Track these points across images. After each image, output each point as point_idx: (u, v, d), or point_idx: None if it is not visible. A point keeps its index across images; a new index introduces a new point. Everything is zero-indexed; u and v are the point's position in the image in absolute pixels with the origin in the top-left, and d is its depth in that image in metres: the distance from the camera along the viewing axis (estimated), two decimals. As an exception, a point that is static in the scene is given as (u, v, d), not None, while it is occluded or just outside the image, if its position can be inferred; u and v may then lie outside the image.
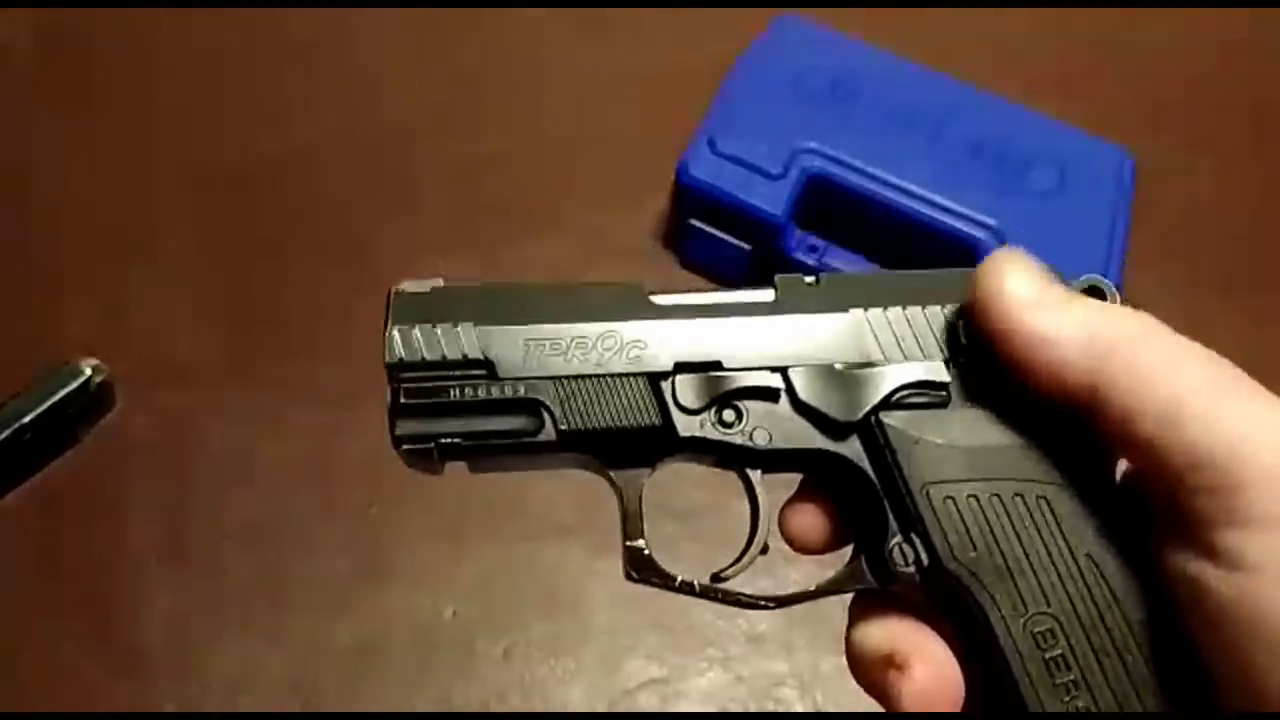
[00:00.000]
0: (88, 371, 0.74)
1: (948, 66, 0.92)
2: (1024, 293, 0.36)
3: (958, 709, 0.37)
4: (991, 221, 0.81)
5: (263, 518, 0.73)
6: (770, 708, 0.69)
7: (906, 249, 0.83)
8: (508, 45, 1.02)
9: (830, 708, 0.68)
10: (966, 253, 0.81)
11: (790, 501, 0.41)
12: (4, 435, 0.71)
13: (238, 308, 0.83)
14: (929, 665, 0.37)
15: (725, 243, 0.85)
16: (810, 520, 0.40)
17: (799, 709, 0.69)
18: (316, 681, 0.68)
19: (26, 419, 0.72)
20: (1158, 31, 1.09)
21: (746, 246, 0.84)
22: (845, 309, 0.39)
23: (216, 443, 0.76)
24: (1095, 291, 0.41)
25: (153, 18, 1.00)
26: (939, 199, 0.82)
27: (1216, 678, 0.33)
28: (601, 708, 0.68)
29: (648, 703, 0.68)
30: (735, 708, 0.68)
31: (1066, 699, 0.35)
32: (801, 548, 0.41)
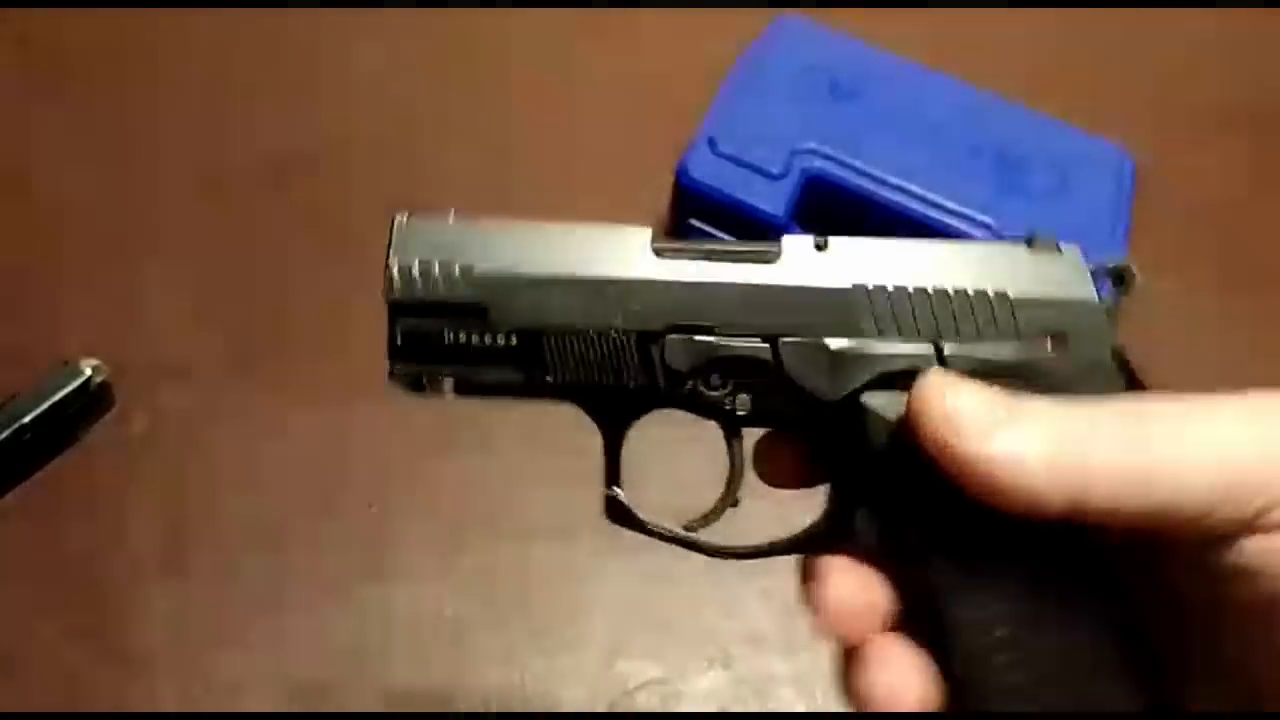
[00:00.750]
0: (88, 371, 0.74)
1: (948, 66, 0.92)
2: (974, 422, 0.34)
3: (874, 626, 0.37)
4: (991, 221, 0.81)
5: (263, 518, 0.73)
6: (770, 708, 0.69)
7: (906, 249, 0.83)
8: (507, 45, 1.02)
9: (830, 708, 0.68)
10: (966, 253, 0.81)
11: (764, 439, 0.41)
12: (4, 435, 0.71)
13: (238, 308, 0.83)
14: (849, 580, 0.38)
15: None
16: (782, 457, 0.41)
17: (799, 709, 0.69)
18: (316, 681, 0.68)
19: (26, 419, 0.72)
20: (1158, 31, 1.09)
21: (746, 246, 0.84)
22: (847, 280, 0.38)
23: (216, 443, 0.76)
24: (1119, 274, 0.40)
25: (152, 18, 1.00)
26: (939, 199, 0.82)
27: (1203, 666, 0.35)
28: (601, 708, 0.68)
29: (648, 703, 0.68)
30: (735, 708, 0.69)
31: (1002, 675, 0.36)
32: (772, 483, 0.41)
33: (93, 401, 0.75)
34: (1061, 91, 0.97)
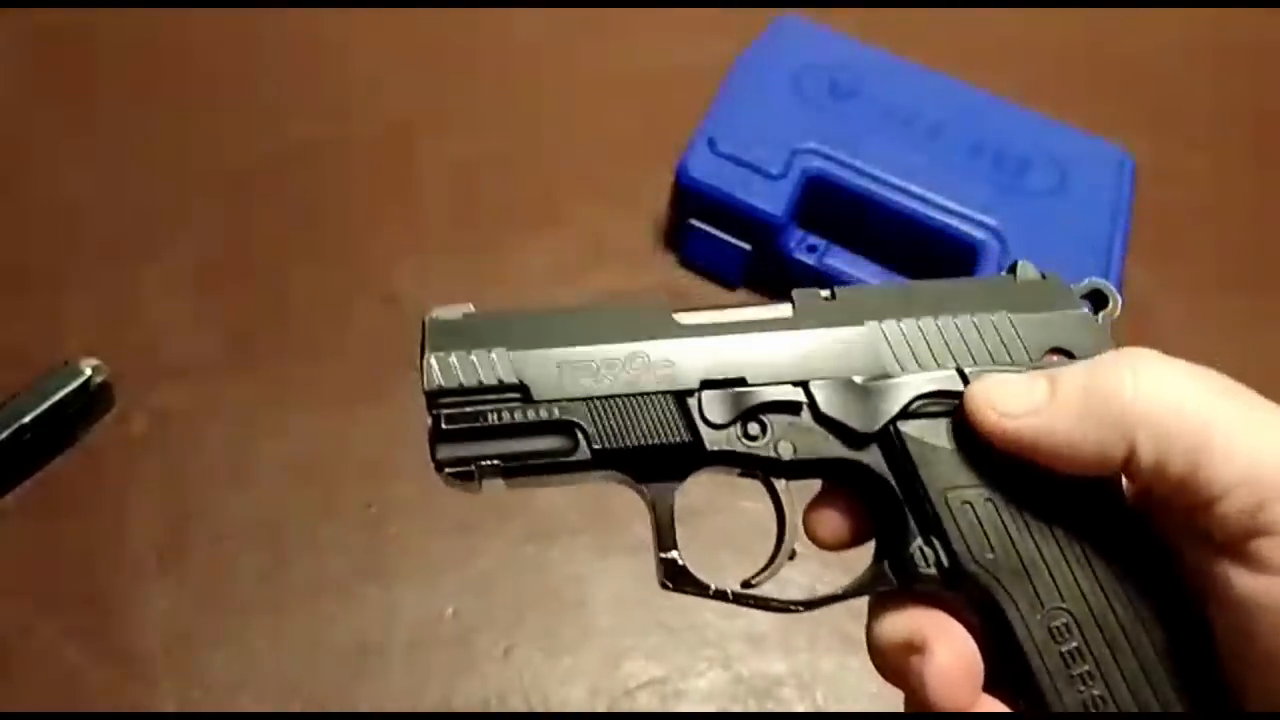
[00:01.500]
0: (88, 371, 0.74)
1: (947, 66, 0.92)
2: (1011, 406, 0.37)
3: (979, 687, 0.38)
4: (991, 221, 0.81)
5: (263, 518, 0.73)
6: (770, 708, 0.69)
7: (906, 249, 0.83)
8: (508, 45, 1.02)
9: (830, 708, 0.68)
10: (967, 252, 0.81)
11: (813, 502, 0.42)
12: (4, 435, 0.71)
13: (238, 307, 0.83)
14: (950, 645, 0.38)
15: (725, 243, 0.85)
16: (832, 520, 0.42)
17: (799, 709, 0.69)
18: (316, 681, 0.68)
19: (26, 419, 0.72)
20: (1158, 31, 1.09)
21: (746, 246, 0.84)
22: (861, 322, 0.40)
23: (216, 443, 0.76)
24: (1097, 295, 0.42)
25: (153, 18, 1.00)
26: (939, 199, 0.82)
27: (1242, 671, 0.36)
28: (601, 708, 0.68)
29: (648, 703, 0.68)
30: (735, 708, 0.68)
31: (1082, 689, 0.37)
32: (825, 546, 0.42)
33: (93, 401, 0.75)
34: (1061, 91, 0.97)
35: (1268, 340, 0.89)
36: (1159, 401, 0.36)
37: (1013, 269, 0.43)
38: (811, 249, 0.84)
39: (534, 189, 0.92)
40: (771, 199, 0.83)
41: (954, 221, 0.82)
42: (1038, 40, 1.08)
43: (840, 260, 0.84)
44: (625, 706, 0.68)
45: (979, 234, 0.81)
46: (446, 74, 0.99)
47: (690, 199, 0.85)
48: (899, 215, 0.82)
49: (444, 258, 0.87)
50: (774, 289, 0.86)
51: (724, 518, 0.73)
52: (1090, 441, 0.36)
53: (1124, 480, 0.39)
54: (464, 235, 0.89)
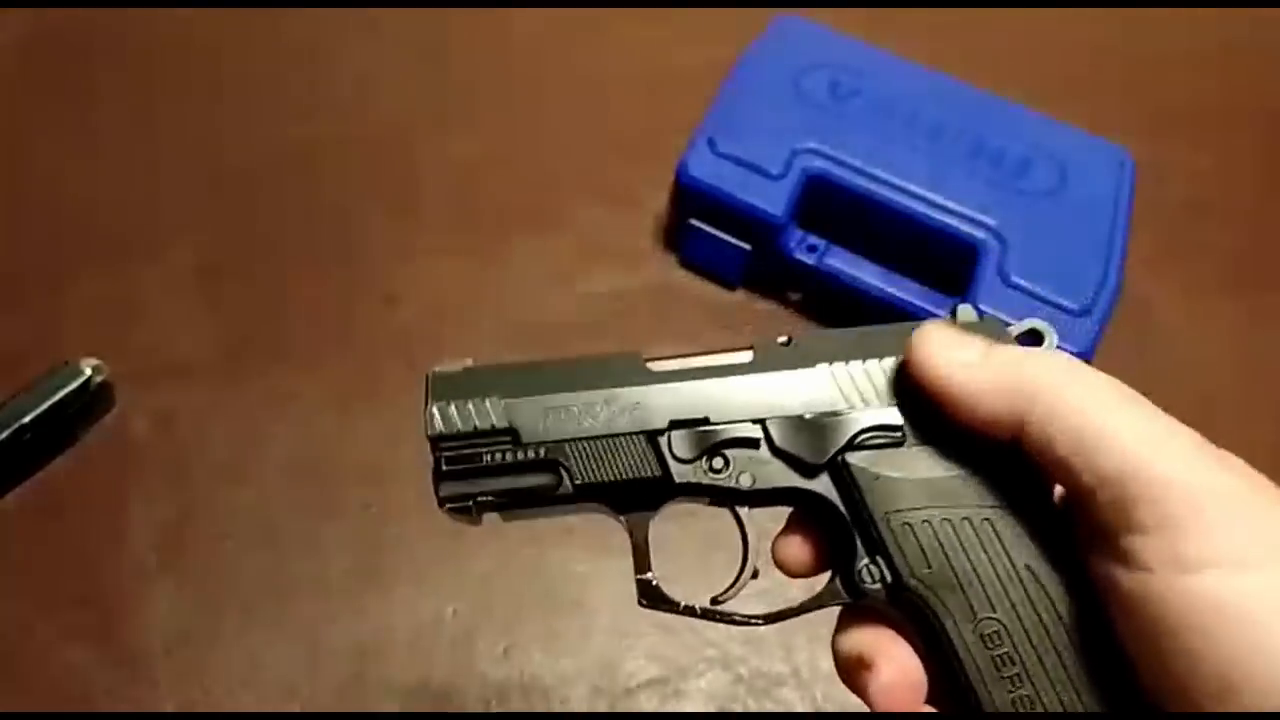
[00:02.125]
0: (88, 371, 0.74)
1: (947, 66, 0.92)
2: (948, 355, 0.42)
3: (919, 701, 0.43)
4: (991, 221, 0.81)
5: (263, 518, 0.73)
6: (770, 708, 0.69)
7: (906, 249, 0.83)
8: (508, 45, 1.02)
9: (830, 708, 0.68)
10: (967, 252, 0.81)
11: (780, 534, 0.47)
12: (4, 435, 0.71)
13: (238, 307, 0.83)
14: (893, 664, 0.43)
15: (725, 243, 0.85)
16: (796, 550, 0.46)
17: (799, 709, 0.69)
18: (316, 681, 0.68)
19: (26, 419, 0.72)
20: (1158, 32, 1.09)
21: (746, 246, 0.84)
22: (814, 364, 0.44)
23: (216, 443, 0.76)
24: (1034, 334, 0.45)
25: (152, 18, 1.00)
26: (939, 199, 0.82)
27: (1138, 667, 0.38)
28: (601, 708, 0.68)
29: (648, 703, 0.68)
30: (735, 708, 0.69)
31: (1012, 689, 0.41)
32: (790, 573, 0.46)
33: (93, 401, 0.75)
34: (1061, 91, 0.97)
35: (1268, 340, 0.89)
36: (1061, 388, 0.39)
37: (953, 312, 0.45)
38: (811, 249, 0.84)
39: (534, 189, 0.92)
40: (771, 199, 0.83)
41: (954, 221, 0.82)
42: (1038, 40, 1.08)
43: (840, 260, 0.84)
44: (625, 706, 0.68)
45: (979, 234, 0.81)
46: (446, 74, 0.99)
47: (690, 199, 0.85)
48: (899, 215, 0.82)
49: (444, 258, 0.87)
50: (774, 289, 0.87)
51: (716, 522, 0.73)
52: (992, 401, 0.40)
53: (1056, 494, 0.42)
54: (464, 235, 0.89)
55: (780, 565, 0.46)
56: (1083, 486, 0.38)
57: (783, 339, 0.45)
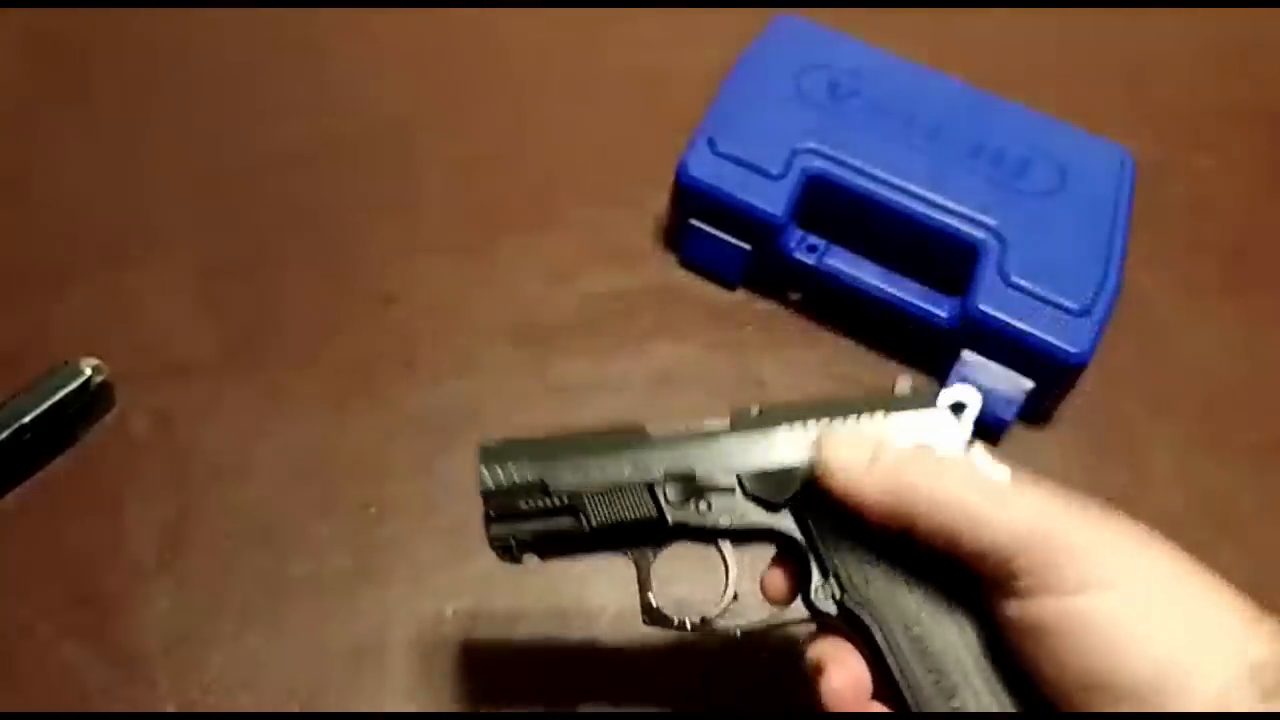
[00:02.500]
0: (88, 371, 0.74)
1: (947, 66, 0.92)
2: (841, 468, 0.51)
3: (862, 702, 0.51)
4: (991, 221, 0.81)
5: (262, 517, 0.73)
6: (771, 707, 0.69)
7: (906, 249, 0.83)
8: (507, 45, 1.02)
9: (830, 708, 0.68)
10: (967, 252, 0.81)
11: (764, 572, 0.57)
12: (4, 435, 0.71)
13: (237, 307, 0.83)
14: (843, 670, 0.51)
15: (725, 243, 0.85)
16: (777, 581, 0.56)
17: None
18: (316, 681, 0.68)
19: (26, 419, 0.72)
20: (1158, 31, 1.09)
21: (746, 246, 0.85)
22: (775, 428, 0.54)
23: (216, 443, 0.76)
24: (959, 405, 0.53)
25: (152, 18, 1.00)
26: (939, 199, 0.82)
27: (1028, 672, 0.47)
28: (602, 707, 0.68)
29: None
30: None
31: (947, 700, 0.49)
32: (772, 600, 0.56)
33: (93, 401, 0.75)
34: (1061, 91, 0.97)
35: (1268, 340, 0.89)
36: (936, 489, 0.48)
37: (893, 387, 0.55)
38: (811, 249, 0.84)
39: (533, 189, 0.92)
40: (771, 199, 0.83)
41: (954, 221, 0.82)
42: (1039, 41, 1.08)
43: (840, 260, 0.84)
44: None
45: (979, 234, 0.81)
46: (446, 74, 0.99)
47: (690, 199, 0.85)
48: (899, 215, 0.82)
49: (442, 257, 0.87)
50: (774, 289, 0.87)
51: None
52: (881, 506, 0.49)
53: None
54: (463, 235, 0.89)
55: (764, 593, 0.56)
56: (971, 559, 0.47)
57: (755, 409, 0.55)
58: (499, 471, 0.56)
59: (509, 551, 0.56)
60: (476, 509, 0.74)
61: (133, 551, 0.71)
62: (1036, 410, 0.81)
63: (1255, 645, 0.43)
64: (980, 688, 0.48)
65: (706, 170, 0.84)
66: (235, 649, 0.68)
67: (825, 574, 0.52)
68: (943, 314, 0.81)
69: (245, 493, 0.74)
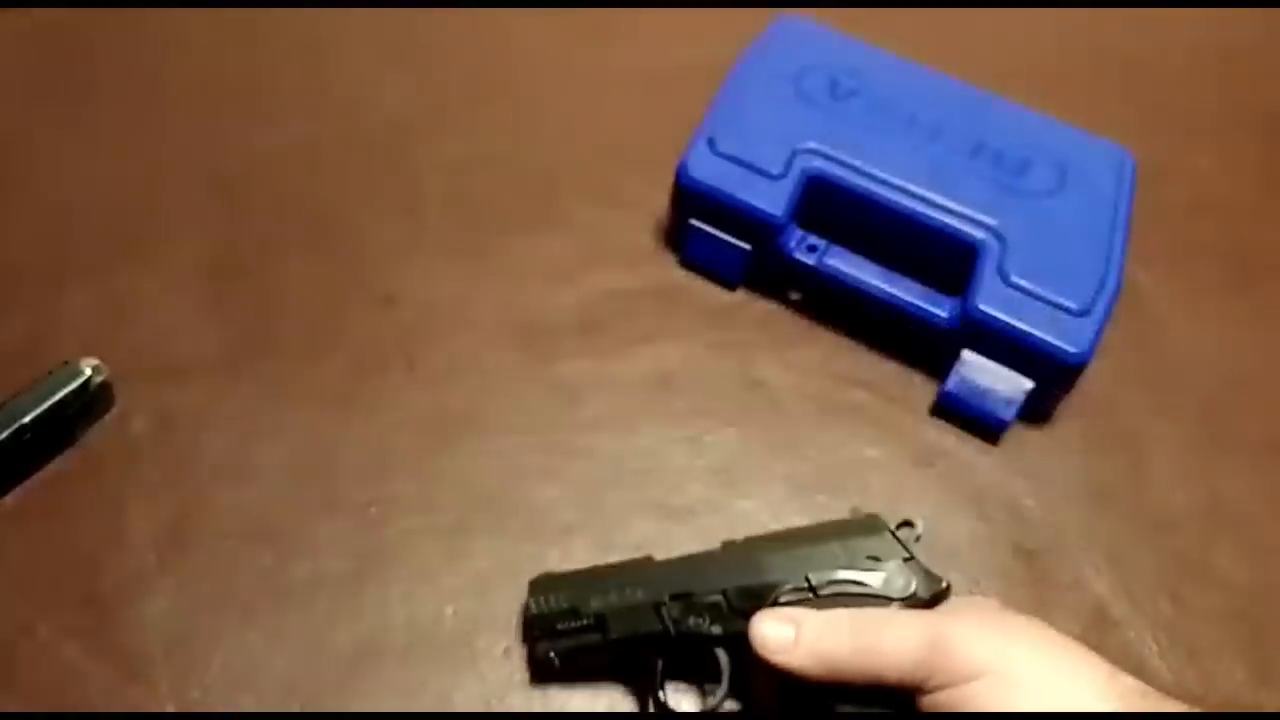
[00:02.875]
0: (88, 371, 0.74)
1: (948, 66, 0.92)
2: (771, 649, 0.61)
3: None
4: (991, 221, 0.81)
5: (263, 517, 0.73)
6: (770, 708, 0.69)
7: (906, 249, 0.83)
8: (508, 45, 1.02)
9: (830, 708, 0.68)
10: (967, 252, 0.81)
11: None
12: (4, 435, 0.71)
13: (238, 307, 0.83)
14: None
15: (725, 243, 0.85)
16: (761, 688, 0.66)
17: (799, 709, 0.69)
18: (316, 681, 0.68)
19: (26, 419, 0.72)
20: (1159, 31, 1.09)
21: (746, 246, 0.85)
22: (754, 553, 0.66)
23: (216, 443, 0.76)
24: (908, 523, 0.65)
25: (152, 17, 1.00)
26: (939, 199, 0.82)
27: None
28: (601, 707, 0.68)
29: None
30: (736, 707, 0.69)
31: None
32: (759, 707, 0.67)
33: (93, 401, 0.75)
34: (1061, 91, 0.97)
35: (1268, 340, 0.89)
36: (853, 649, 0.59)
37: (851, 510, 0.68)
38: (811, 249, 0.84)
39: (533, 189, 0.92)
40: (771, 199, 0.83)
41: (954, 221, 0.82)
42: (1038, 40, 1.08)
43: (840, 260, 0.84)
44: (625, 706, 0.68)
45: (979, 234, 0.81)
46: (446, 74, 0.99)
47: (690, 199, 0.85)
48: (899, 215, 0.82)
49: (443, 257, 0.87)
50: (774, 289, 0.87)
51: (719, 517, 0.76)
52: (809, 671, 0.59)
53: None
54: (463, 235, 0.89)
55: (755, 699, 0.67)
56: (891, 685, 0.58)
57: (740, 540, 0.67)
58: (541, 601, 0.68)
59: (548, 664, 0.67)
60: (476, 509, 0.75)
61: (133, 551, 0.71)
62: (1036, 410, 0.81)
63: (1110, 701, 0.54)
64: None
65: (707, 170, 0.84)
66: (235, 649, 0.68)
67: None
68: (943, 314, 0.81)
69: (245, 493, 0.74)
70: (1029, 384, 0.79)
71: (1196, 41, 1.10)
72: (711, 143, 0.84)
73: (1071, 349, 0.77)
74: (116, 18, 0.99)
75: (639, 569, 0.68)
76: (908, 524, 0.64)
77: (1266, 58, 1.10)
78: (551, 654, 0.67)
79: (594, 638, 0.66)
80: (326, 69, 0.99)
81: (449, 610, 0.71)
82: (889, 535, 0.64)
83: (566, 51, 1.02)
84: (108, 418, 0.76)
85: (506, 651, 0.69)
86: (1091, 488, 0.80)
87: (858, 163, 0.83)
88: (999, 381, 0.79)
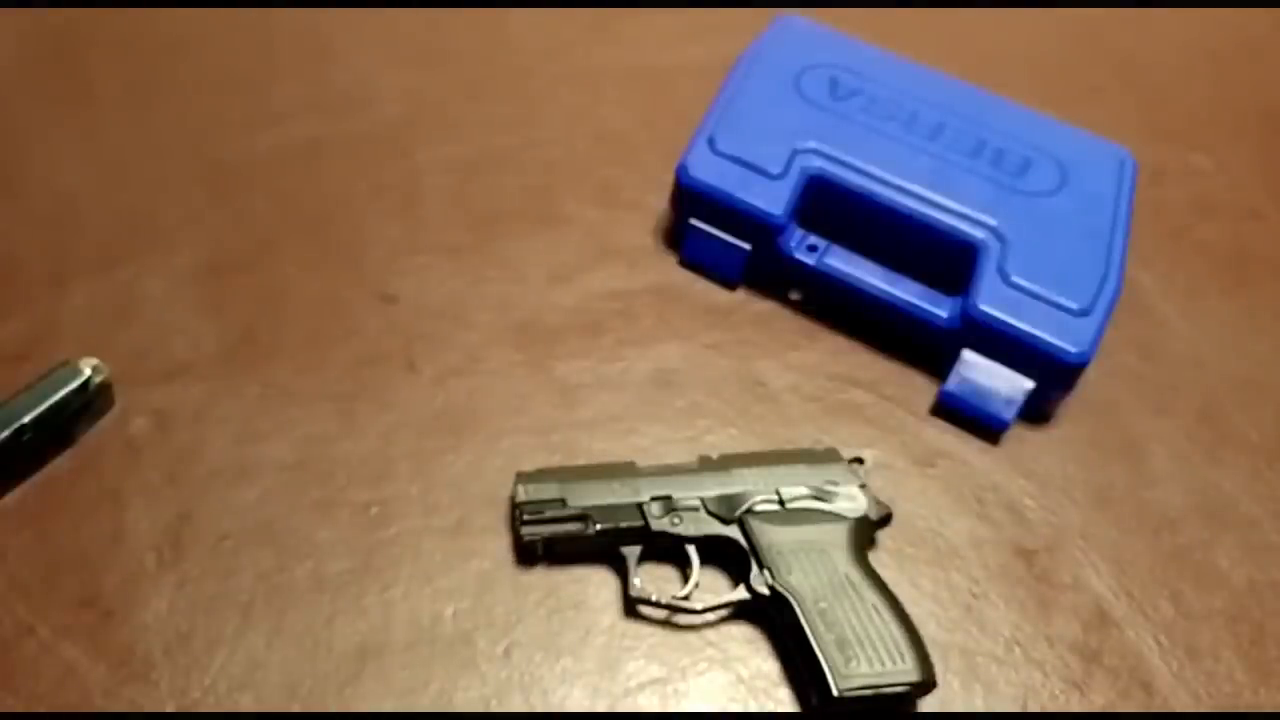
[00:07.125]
0: (88, 371, 0.74)
1: (948, 66, 0.92)
2: None
3: None
4: (991, 221, 0.81)
5: (263, 518, 0.73)
6: (770, 707, 0.69)
7: (906, 249, 0.83)
8: (507, 45, 1.02)
9: (830, 708, 0.68)
10: (966, 252, 0.81)
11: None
12: (4, 435, 0.71)
13: (238, 307, 0.83)
14: None
15: (725, 242, 0.85)
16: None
17: (799, 709, 0.69)
18: (317, 681, 0.68)
19: (26, 419, 0.72)
20: (1158, 32, 1.09)
21: (746, 246, 0.85)
22: (730, 469, 0.75)
23: (216, 443, 0.76)
24: (859, 459, 0.76)
25: (152, 17, 1.00)
26: (939, 199, 0.82)
27: None
28: (601, 708, 0.68)
29: (648, 703, 0.68)
30: (735, 708, 0.69)
31: (841, 652, 0.67)
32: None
33: (93, 401, 0.75)
34: (1061, 91, 0.97)
35: (1267, 340, 0.89)
36: None
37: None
38: (811, 249, 0.84)
39: (534, 189, 0.92)
40: (771, 199, 0.83)
41: (954, 221, 0.82)
42: (1038, 40, 1.08)
43: (840, 260, 0.84)
44: (625, 706, 0.68)
45: (979, 234, 0.81)
46: (446, 74, 0.99)
47: (690, 199, 0.85)
48: (899, 215, 0.82)
49: (443, 257, 0.87)
50: (774, 289, 0.87)
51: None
52: None
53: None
54: (463, 235, 0.89)
55: None
56: None
57: (715, 456, 0.76)
58: (531, 489, 0.73)
59: (532, 547, 0.72)
60: (476, 509, 0.75)
61: (133, 551, 0.71)
62: (1036, 410, 0.81)
63: None
64: (863, 639, 0.68)
65: (707, 170, 0.84)
66: (235, 649, 0.68)
67: (760, 567, 0.71)
68: (943, 314, 0.81)
69: (245, 493, 0.74)
70: (1029, 384, 0.79)
71: (1196, 42, 1.10)
72: (711, 142, 0.84)
73: (1072, 349, 0.77)
74: (116, 18, 0.99)
75: (623, 470, 0.75)
76: (859, 460, 0.76)
77: (1266, 58, 1.10)
78: (537, 540, 0.72)
79: (577, 527, 0.72)
80: (327, 69, 0.99)
81: (449, 610, 0.71)
82: (846, 465, 0.75)
83: (566, 51, 1.02)
84: (107, 418, 0.76)
85: (506, 651, 0.69)
86: (1091, 488, 0.80)
87: (858, 162, 0.83)
88: (999, 381, 0.79)
